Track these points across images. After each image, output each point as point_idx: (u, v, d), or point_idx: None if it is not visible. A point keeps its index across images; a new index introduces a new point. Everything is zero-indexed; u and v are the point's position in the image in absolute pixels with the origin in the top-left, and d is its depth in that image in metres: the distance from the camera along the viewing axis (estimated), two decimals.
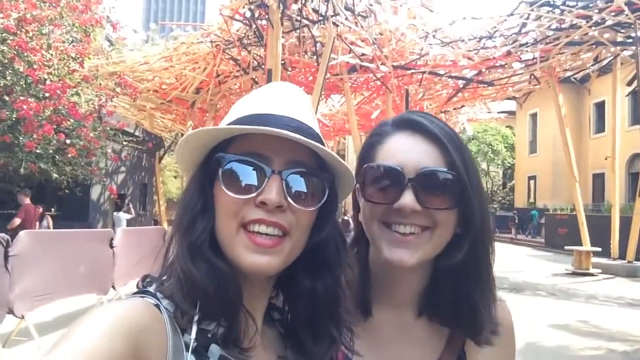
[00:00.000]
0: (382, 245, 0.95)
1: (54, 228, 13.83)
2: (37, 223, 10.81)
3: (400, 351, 1.03)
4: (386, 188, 0.94)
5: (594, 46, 15.99)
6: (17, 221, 9.90)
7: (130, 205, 18.01)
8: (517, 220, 32.68)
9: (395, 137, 0.98)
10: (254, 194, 0.76)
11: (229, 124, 0.81)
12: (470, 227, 0.95)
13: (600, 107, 28.55)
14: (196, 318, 0.74)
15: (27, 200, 10.50)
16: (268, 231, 0.76)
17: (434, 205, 0.92)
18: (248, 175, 0.77)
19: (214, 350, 0.75)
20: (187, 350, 0.72)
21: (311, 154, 0.81)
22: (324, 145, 0.83)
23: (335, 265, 0.87)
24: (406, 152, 0.95)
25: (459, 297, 0.97)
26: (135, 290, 0.80)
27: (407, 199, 0.91)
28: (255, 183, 0.77)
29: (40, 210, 11.67)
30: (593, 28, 14.93)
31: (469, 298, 0.97)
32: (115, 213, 16.49)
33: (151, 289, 0.78)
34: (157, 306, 0.73)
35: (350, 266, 0.91)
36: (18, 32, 10.87)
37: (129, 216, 16.17)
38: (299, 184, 0.79)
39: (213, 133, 0.80)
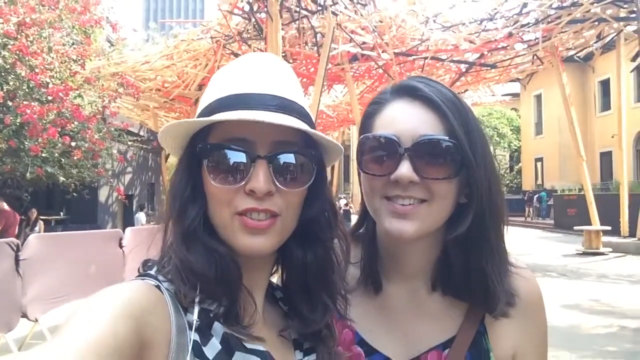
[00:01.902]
0: (382, 218, 0.93)
1: (63, 231, 13.95)
2: (17, 228, 10.46)
3: (414, 326, 1.01)
4: (382, 159, 0.91)
5: (596, 23, 15.82)
6: None
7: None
8: (534, 201, 32.21)
9: (392, 105, 0.95)
10: (242, 183, 0.76)
11: (207, 106, 0.81)
12: (474, 198, 0.92)
13: (605, 84, 28.31)
14: (197, 299, 0.75)
15: (5, 206, 10.19)
16: (260, 217, 0.76)
17: (433, 175, 0.89)
18: (233, 163, 0.76)
19: (217, 328, 0.76)
20: (190, 329, 0.73)
21: (297, 131, 0.79)
22: (310, 117, 0.83)
23: (326, 236, 0.87)
24: (403, 120, 0.91)
25: (470, 269, 0.94)
26: (137, 274, 0.80)
27: (404, 169, 0.88)
28: (242, 170, 0.76)
29: (35, 214, 11.55)
30: (595, 4, 14.77)
31: (479, 269, 0.94)
32: (136, 215, 16.54)
33: (152, 271, 0.79)
34: (158, 287, 0.74)
35: (342, 236, 0.90)
36: (18, 36, 10.90)
37: (144, 219, 16.24)
38: (286, 166, 0.78)
39: (191, 125, 0.79)
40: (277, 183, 0.77)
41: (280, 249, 0.83)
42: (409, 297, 1.02)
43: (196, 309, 0.74)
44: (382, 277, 1.02)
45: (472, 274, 0.94)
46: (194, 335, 0.72)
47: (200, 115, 0.81)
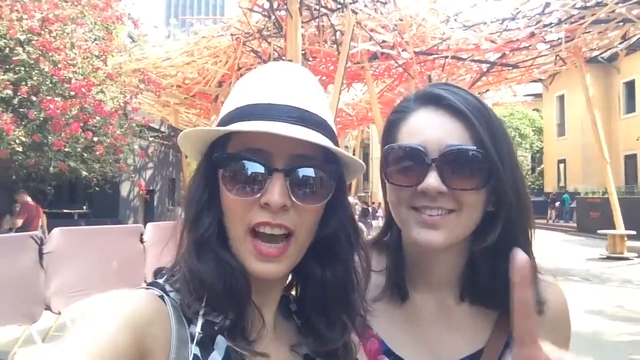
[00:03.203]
0: (410, 228, 0.91)
1: (85, 225, 14.13)
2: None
3: (442, 337, 0.99)
4: (409, 170, 0.89)
5: (621, 23, 15.53)
6: (19, 222, 9.84)
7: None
8: (557, 204, 31.62)
9: (417, 114, 0.93)
10: (257, 195, 0.75)
11: (227, 114, 0.80)
12: (503, 207, 0.90)
13: (630, 86, 27.80)
14: (202, 312, 0.74)
15: (28, 199, 10.36)
16: (273, 232, 0.75)
17: (461, 186, 0.87)
18: (249, 175, 0.75)
19: (220, 341, 0.75)
20: (192, 341, 0.72)
21: (317, 144, 0.77)
22: (332, 130, 0.81)
23: (346, 254, 0.85)
24: (429, 129, 0.89)
25: (498, 277, 0.92)
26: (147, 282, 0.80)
27: (431, 180, 0.86)
28: (258, 183, 0.75)
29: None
30: (620, 4, 14.49)
31: (508, 277, 0.92)
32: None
33: (160, 280, 0.79)
34: (162, 297, 0.73)
35: (363, 254, 0.89)
36: (42, 32, 11.07)
37: None
38: (303, 181, 0.76)
39: (210, 133, 0.78)
40: (293, 197, 0.75)
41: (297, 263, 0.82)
42: (436, 306, 1.00)
43: (200, 321, 0.73)
44: (408, 286, 1.00)
45: (500, 282, 0.91)
46: (194, 349, 0.72)
47: (220, 123, 0.80)
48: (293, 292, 0.93)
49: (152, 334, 0.68)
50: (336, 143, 0.82)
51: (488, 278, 0.94)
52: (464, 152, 0.87)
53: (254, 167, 0.75)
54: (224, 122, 0.79)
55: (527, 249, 0.95)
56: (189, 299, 0.74)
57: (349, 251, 0.85)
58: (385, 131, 0.99)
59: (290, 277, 0.89)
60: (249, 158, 0.75)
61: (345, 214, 0.85)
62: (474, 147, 0.87)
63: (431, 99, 0.92)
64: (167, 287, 0.76)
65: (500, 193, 0.90)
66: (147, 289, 0.75)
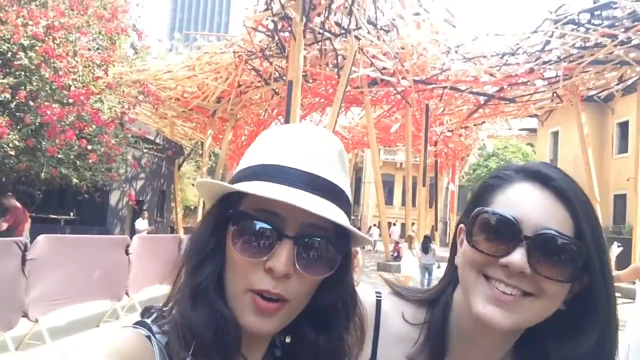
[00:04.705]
0: (475, 298, 0.84)
1: (72, 234, 14.00)
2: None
3: None
4: (497, 239, 0.83)
5: (618, 65, 15.79)
6: (4, 225, 9.65)
7: (151, 225, 18.06)
8: None
9: (519, 186, 0.86)
10: (263, 258, 0.74)
11: (245, 169, 0.80)
12: (598, 310, 0.84)
13: (623, 126, 28.06)
14: (189, 359, 0.73)
15: (15, 203, 10.15)
16: (271, 297, 0.74)
17: (547, 274, 0.80)
18: (259, 236, 0.74)
19: None
20: None
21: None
22: (349, 201, 0.81)
23: (342, 325, 0.84)
24: (528, 205, 0.83)
25: None
26: (136, 320, 0.79)
27: (518, 257, 0.80)
28: (266, 246, 0.74)
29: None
30: (618, 47, 14.75)
31: None
32: (137, 220, 16.64)
33: (148, 320, 0.78)
34: (149, 338, 0.73)
35: (358, 323, 0.88)
36: (46, 39, 11.12)
37: (145, 227, 16.27)
38: (311, 251, 0.75)
39: (224, 188, 0.78)
40: (298, 266, 0.74)
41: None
42: None
43: None
44: (446, 353, 0.94)
45: None
46: None
47: (238, 176, 0.80)
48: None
49: None
50: (349, 212, 0.82)
51: None
52: (560, 239, 0.80)
53: (265, 230, 0.74)
54: (242, 177, 0.78)
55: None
56: (177, 345, 0.73)
57: (346, 322, 0.84)
58: (478, 192, 0.93)
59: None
60: (262, 220, 0.74)
61: (346, 287, 0.84)
62: (574, 238, 0.81)
63: (538, 176, 0.87)
64: (155, 328, 0.75)
65: (592, 294, 0.84)
66: (135, 327, 0.74)
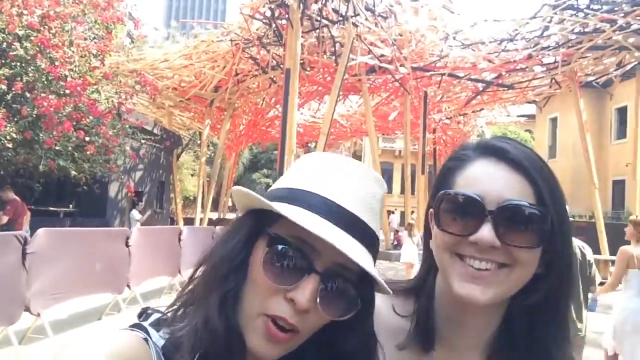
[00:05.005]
0: (452, 279, 0.87)
1: (71, 226, 13.98)
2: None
3: None
4: (463, 219, 0.86)
5: (617, 51, 15.72)
6: (4, 218, 9.58)
7: (148, 211, 18.04)
8: None
9: (476, 164, 0.90)
10: (287, 286, 0.73)
11: (286, 188, 0.79)
12: (553, 268, 0.87)
13: (622, 112, 28.07)
14: None
15: (13, 196, 10.02)
16: (284, 326, 0.73)
17: (515, 243, 0.83)
18: (290, 265, 0.74)
19: None
20: None
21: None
22: (378, 246, 0.81)
23: None
24: (488, 181, 0.86)
25: (532, 344, 0.89)
26: (132, 323, 0.78)
27: (485, 233, 0.82)
28: (294, 276, 0.73)
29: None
30: (617, 32, 14.68)
31: (543, 345, 0.89)
32: (132, 211, 16.66)
33: (145, 323, 0.77)
34: (146, 340, 0.72)
35: None
36: (41, 28, 11.02)
37: (139, 217, 16.27)
38: (334, 292, 0.75)
39: (262, 203, 0.76)
40: (319, 304, 0.73)
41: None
42: None
43: None
44: (434, 336, 0.96)
45: (534, 349, 0.89)
46: None
47: (278, 193, 0.79)
48: None
49: None
50: (376, 255, 0.82)
51: (519, 342, 0.90)
52: (523, 208, 0.83)
53: (298, 261, 0.74)
54: (282, 196, 0.78)
55: (565, 315, 0.93)
56: (187, 350, 0.72)
57: None
58: (440, 176, 0.95)
59: None
60: (297, 249, 0.74)
61: (368, 333, 0.84)
62: (534, 204, 0.84)
63: (493, 151, 0.90)
64: (151, 331, 0.74)
65: (553, 254, 0.87)
66: (132, 330, 0.73)
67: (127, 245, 7.82)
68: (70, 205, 16.48)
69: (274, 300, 0.73)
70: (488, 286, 0.84)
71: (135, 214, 16.31)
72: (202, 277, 0.79)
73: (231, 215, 26.45)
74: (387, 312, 0.98)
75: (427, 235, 0.97)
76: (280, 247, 0.74)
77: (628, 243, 5.72)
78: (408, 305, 1.00)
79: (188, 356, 0.72)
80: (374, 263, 0.80)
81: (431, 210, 0.92)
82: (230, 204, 28.25)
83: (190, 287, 0.81)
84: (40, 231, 6.04)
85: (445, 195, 0.89)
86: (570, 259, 0.90)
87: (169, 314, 0.79)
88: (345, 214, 0.76)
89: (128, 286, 7.76)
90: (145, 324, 0.76)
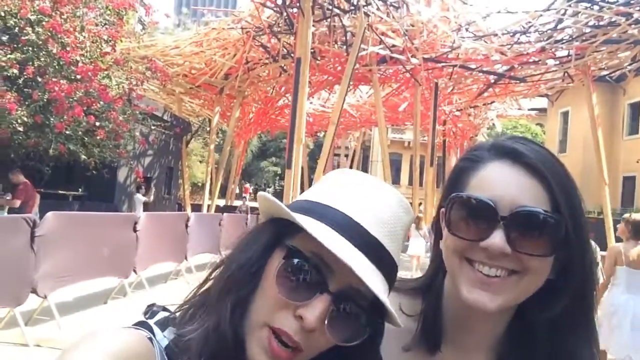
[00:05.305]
0: (461, 284, 0.85)
1: (80, 210, 14.10)
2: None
3: None
4: (474, 223, 0.83)
5: (632, 45, 15.50)
6: (17, 202, 9.56)
7: (152, 189, 18.09)
8: None
9: (491, 166, 0.86)
10: (297, 302, 0.71)
11: (311, 201, 0.78)
12: (571, 277, 0.84)
13: (635, 108, 27.78)
14: None
15: (23, 179, 9.91)
16: (287, 342, 0.72)
17: (527, 250, 0.80)
18: (303, 280, 0.72)
19: None
20: None
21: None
22: (395, 275, 0.79)
23: None
24: (501, 185, 0.83)
25: (554, 349, 0.87)
26: (137, 320, 0.78)
27: (497, 239, 0.80)
28: (306, 293, 0.71)
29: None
30: (633, 26, 14.47)
31: (566, 350, 0.87)
32: (135, 195, 16.73)
33: (151, 321, 0.76)
34: (150, 339, 0.71)
35: None
36: (53, 14, 11.05)
37: (144, 199, 16.32)
38: (344, 316, 0.73)
39: (283, 212, 0.75)
40: (327, 326, 0.72)
41: None
42: None
43: None
44: (441, 338, 0.94)
45: (556, 353, 0.87)
46: None
47: (302, 204, 0.78)
48: None
49: None
50: (392, 285, 0.80)
51: (541, 352, 0.88)
52: (536, 215, 0.80)
53: (312, 277, 0.72)
54: (305, 208, 0.76)
55: (589, 324, 0.90)
56: (195, 354, 0.71)
57: None
58: (452, 176, 0.92)
59: None
60: (314, 266, 0.72)
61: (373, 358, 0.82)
62: (549, 211, 0.80)
63: (508, 152, 0.86)
64: (156, 330, 0.74)
65: (569, 263, 0.84)
66: (137, 328, 0.73)
67: (134, 230, 7.88)
68: (80, 189, 16.61)
69: (282, 314, 0.72)
70: (497, 293, 0.82)
71: (139, 196, 16.36)
72: (217, 281, 0.78)
73: (238, 202, 26.54)
74: (393, 311, 0.98)
75: (437, 235, 0.94)
76: (296, 260, 0.72)
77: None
78: (415, 305, 0.98)
79: (195, 359, 0.71)
80: (389, 292, 0.77)
81: (442, 209, 0.90)
82: (237, 191, 28.30)
83: (204, 288, 0.80)
84: (50, 214, 6.11)
85: (457, 198, 0.86)
86: (589, 266, 0.86)
87: (177, 314, 0.78)
88: (367, 236, 0.74)
89: (134, 271, 7.83)
90: (151, 322, 0.76)
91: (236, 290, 0.74)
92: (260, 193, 0.78)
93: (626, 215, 6.05)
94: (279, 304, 0.72)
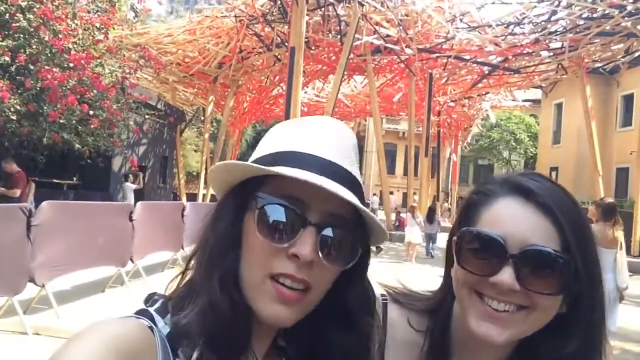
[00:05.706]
0: (470, 315, 0.86)
1: (75, 199, 14.03)
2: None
3: None
4: (484, 259, 0.84)
5: (625, 37, 15.58)
6: (17, 192, 9.46)
7: (140, 175, 17.91)
8: None
9: (502, 202, 0.87)
10: (286, 244, 0.73)
11: (266, 155, 0.79)
12: (580, 312, 0.86)
13: (628, 100, 27.91)
14: (196, 355, 0.72)
15: (17, 168, 9.76)
16: (293, 285, 0.73)
17: (536, 288, 0.81)
18: (284, 222, 0.73)
19: None
20: None
21: (350, 206, 0.75)
22: (363, 192, 0.81)
23: (368, 323, 0.84)
24: (512, 222, 0.84)
25: None
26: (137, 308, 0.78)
27: (506, 277, 0.81)
28: (291, 233, 0.73)
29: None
30: (626, 18, 14.52)
31: None
32: (124, 184, 16.64)
33: (151, 309, 0.76)
34: (151, 328, 0.72)
35: (378, 319, 0.88)
36: (44, 0, 10.92)
37: (133, 186, 16.23)
38: (333, 241, 0.75)
39: (251, 170, 0.76)
40: (321, 255, 0.74)
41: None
42: None
43: (195, 354, 0.72)
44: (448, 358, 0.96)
45: None
46: None
47: (259, 162, 0.78)
48: None
49: None
50: (362, 199, 0.81)
51: None
52: (546, 254, 0.81)
53: (292, 216, 0.73)
54: (264, 162, 0.77)
55: (600, 343, 0.90)
56: (196, 338, 0.72)
57: (368, 319, 0.85)
58: (465, 210, 0.93)
59: None
60: (288, 206, 0.73)
61: (367, 283, 0.85)
62: (559, 251, 0.81)
63: (520, 190, 0.87)
64: (157, 317, 0.74)
65: (578, 301, 0.85)
66: (138, 317, 0.73)
67: (130, 219, 7.87)
68: (74, 178, 16.53)
69: (277, 261, 0.73)
70: (505, 327, 0.83)
71: (129, 184, 16.25)
72: (199, 265, 0.78)
73: None
74: (402, 325, 0.99)
75: (448, 262, 0.95)
76: (271, 206, 0.74)
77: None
78: (423, 321, 1.00)
79: (197, 341, 0.72)
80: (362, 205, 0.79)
81: (454, 238, 0.91)
82: None
83: (187, 279, 0.80)
84: (45, 204, 6.08)
85: (467, 232, 0.88)
86: (600, 302, 0.87)
87: (173, 299, 0.79)
88: (327, 163, 0.76)
89: (131, 260, 7.84)
90: (152, 309, 0.76)
91: (220, 264, 0.75)
92: (214, 167, 0.78)
93: (597, 200, 6.62)
94: (270, 252, 0.74)
